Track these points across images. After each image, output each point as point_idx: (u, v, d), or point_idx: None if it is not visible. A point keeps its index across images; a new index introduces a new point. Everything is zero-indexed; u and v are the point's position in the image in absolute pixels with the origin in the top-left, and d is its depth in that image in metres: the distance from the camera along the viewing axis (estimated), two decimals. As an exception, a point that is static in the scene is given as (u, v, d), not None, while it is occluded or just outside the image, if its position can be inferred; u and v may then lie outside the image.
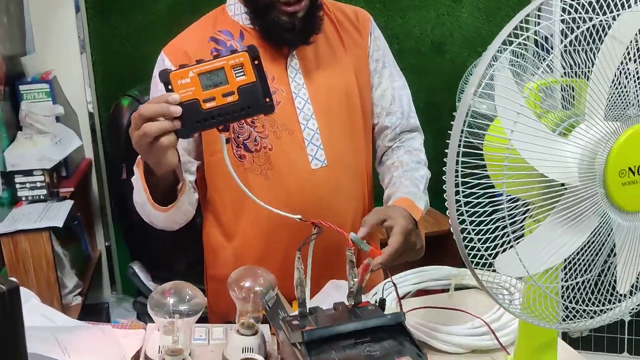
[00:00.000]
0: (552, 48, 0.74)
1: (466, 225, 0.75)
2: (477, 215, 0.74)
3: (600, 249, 0.77)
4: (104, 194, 2.47)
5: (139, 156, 1.05)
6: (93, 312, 2.23)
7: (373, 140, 1.33)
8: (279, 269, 1.08)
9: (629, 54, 0.74)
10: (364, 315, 0.82)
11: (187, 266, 1.70)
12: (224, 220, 1.25)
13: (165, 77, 0.92)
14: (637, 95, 0.74)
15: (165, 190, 1.08)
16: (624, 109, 0.74)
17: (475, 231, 0.75)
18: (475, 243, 0.75)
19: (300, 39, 1.17)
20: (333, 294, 1.10)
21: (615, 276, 0.81)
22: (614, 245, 0.79)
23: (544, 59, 0.73)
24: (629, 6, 0.72)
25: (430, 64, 2.69)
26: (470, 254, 0.75)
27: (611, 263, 0.81)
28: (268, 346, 1.00)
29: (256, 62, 0.93)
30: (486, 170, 0.75)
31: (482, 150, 0.75)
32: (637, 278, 0.83)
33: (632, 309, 0.85)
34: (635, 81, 0.73)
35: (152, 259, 1.74)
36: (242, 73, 0.92)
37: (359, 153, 1.27)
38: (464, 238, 0.74)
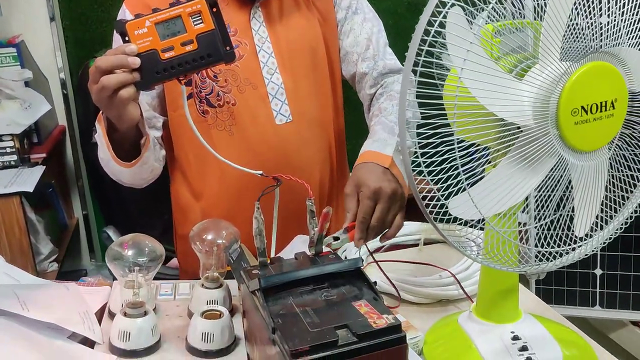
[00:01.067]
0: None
1: (424, 176, 0.75)
2: (434, 165, 0.74)
3: (555, 191, 0.77)
4: (79, 162, 2.44)
5: (101, 112, 1.03)
6: (70, 278, 2.22)
7: (358, 90, 1.29)
8: (249, 226, 1.08)
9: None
10: (323, 263, 0.82)
11: (162, 229, 1.70)
12: (190, 179, 1.24)
13: (121, 27, 0.89)
14: (592, 33, 0.73)
15: (129, 146, 1.06)
16: (579, 48, 0.74)
17: (433, 181, 0.75)
18: (435, 193, 0.75)
19: None
20: (301, 247, 1.10)
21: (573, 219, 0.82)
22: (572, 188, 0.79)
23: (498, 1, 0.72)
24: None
25: (407, 24, 2.67)
26: (430, 204, 0.75)
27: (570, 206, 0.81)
28: (235, 300, 1.00)
29: (214, 9, 0.90)
30: (446, 119, 0.74)
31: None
32: (595, 220, 0.84)
33: (589, 252, 0.86)
34: (587, 19, 0.72)
35: (127, 223, 1.73)
36: (200, 21, 0.89)
37: (325, 108, 1.25)
38: (424, 189, 0.74)
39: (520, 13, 0.74)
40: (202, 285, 0.96)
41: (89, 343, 0.89)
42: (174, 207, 1.32)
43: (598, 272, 1.78)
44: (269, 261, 0.86)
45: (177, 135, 1.22)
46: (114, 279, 1.04)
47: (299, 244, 1.12)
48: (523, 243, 0.83)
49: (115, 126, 1.01)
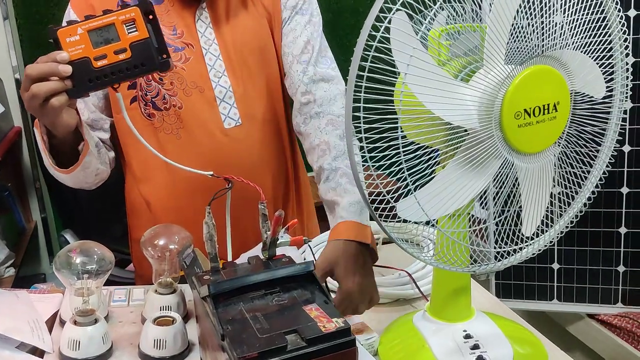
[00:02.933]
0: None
1: (373, 180, 0.75)
2: (382, 168, 0.74)
3: (501, 193, 0.78)
4: (36, 164, 2.39)
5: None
6: (28, 283, 2.17)
7: (289, 90, 1.25)
8: (200, 230, 1.07)
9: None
10: (275, 267, 0.82)
11: (122, 233, 1.67)
12: (139, 182, 1.22)
13: (52, 34, 0.87)
14: (536, 37, 0.74)
15: (69, 151, 1.04)
16: (523, 51, 0.75)
17: (383, 184, 0.76)
18: (384, 196, 0.75)
19: None
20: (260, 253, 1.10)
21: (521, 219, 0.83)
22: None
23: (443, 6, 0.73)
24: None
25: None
26: (380, 207, 0.75)
27: (518, 207, 0.83)
28: (190, 305, 0.99)
29: (150, 17, 0.88)
30: (395, 122, 0.75)
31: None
32: (543, 220, 0.86)
33: (537, 250, 0.88)
34: (531, 23, 0.74)
35: (85, 226, 1.70)
36: (135, 29, 0.88)
37: (275, 109, 1.23)
38: (373, 193, 0.75)
39: (477, 14, 0.75)
40: (156, 291, 0.95)
41: (39, 352, 0.87)
42: (128, 211, 1.30)
43: (555, 266, 1.81)
44: (221, 266, 0.85)
45: (122, 138, 1.20)
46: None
47: (258, 250, 1.12)
48: (483, 241, 0.85)
49: (52, 134, 0.99)
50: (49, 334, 0.90)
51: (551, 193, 0.84)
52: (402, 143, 0.71)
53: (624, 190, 1.70)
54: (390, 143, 0.72)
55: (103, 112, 1.18)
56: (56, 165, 1.03)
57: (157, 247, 0.93)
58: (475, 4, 0.71)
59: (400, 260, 1.18)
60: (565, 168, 0.85)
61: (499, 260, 0.85)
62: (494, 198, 0.79)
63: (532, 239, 0.86)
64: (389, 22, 0.68)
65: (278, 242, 0.86)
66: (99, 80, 0.88)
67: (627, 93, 0.85)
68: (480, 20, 0.75)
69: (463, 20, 0.75)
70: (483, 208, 0.87)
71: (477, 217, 0.84)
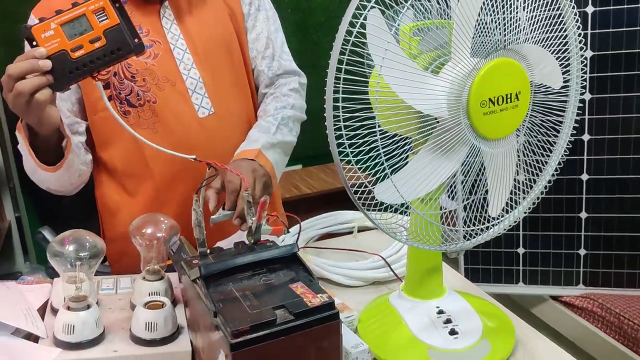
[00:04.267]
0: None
1: (352, 165, 0.81)
2: (361, 154, 0.80)
3: (468, 176, 0.85)
4: (9, 163, 2.38)
5: (19, 120, 1.03)
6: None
7: (256, 87, 1.34)
8: (185, 218, 1.11)
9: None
10: (261, 250, 0.87)
11: (99, 228, 1.70)
12: (118, 179, 1.25)
13: (27, 33, 0.90)
14: (498, 32, 0.81)
15: (53, 151, 1.07)
16: (488, 45, 0.81)
17: (361, 169, 0.82)
18: (365, 187, 0.81)
19: None
20: (242, 237, 1.14)
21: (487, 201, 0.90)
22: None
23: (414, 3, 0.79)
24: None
25: (340, 21, 2.72)
26: (358, 191, 0.81)
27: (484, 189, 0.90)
28: (176, 292, 1.03)
29: (117, 4, 0.92)
30: (370, 112, 0.80)
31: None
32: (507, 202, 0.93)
33: (503, 230, 0.95)
34: (494, 19, 0.80)
35: (62, 223, 1.71)
36: (105, 17, 0.92)
37: (245, 100, 1.29)
38: (355, 185, 0.81)
39: (444, 11, 0.81)
40: (144, 278, 0.99)
41: (32, 339, 0.90)
42: (101, 211, 1.32)
43: (521, 251, 1.91)
44: (208, 251, 0.90)
45: (101, 137, 1.23)
46: (53, 277, 1.06)
47: (239, 235, 1.16)
48: (449, 224, 0.91)
49: (36, 132, 1.02)
50: (42, 321, 0.93)
51: (516, 179, 0.92)
52: (379, 130, 0.76)
53: (584, 177, 1.80)
54: (369, 130, 0.77)
55: (77, 116, 1.22)
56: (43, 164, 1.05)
57: (145, 236, 0.97)
58: (442, 2, 0.77)
59: (375, 246, 1.24)
60: (529, 155, 0.92)
61: (468, 240, 0.92)
62: (462, 182, 0.85)
63: (498, 219, 0.93)
64: (365, 19, 0.73)
65: (221, 216, 0.91)
66: (79, 70, 0.91)
67: (582, 84, 0.93)
68: (449, 17, 0.81)
69: (432, 16, 0.81)
70: (450, 197, 0.94)
71: (446, 208, 0.90)
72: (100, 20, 0.91)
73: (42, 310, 0.98)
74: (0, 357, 0.84)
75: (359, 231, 1.36)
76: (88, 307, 0.89)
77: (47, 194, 1.58)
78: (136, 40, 0.93)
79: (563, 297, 1.90)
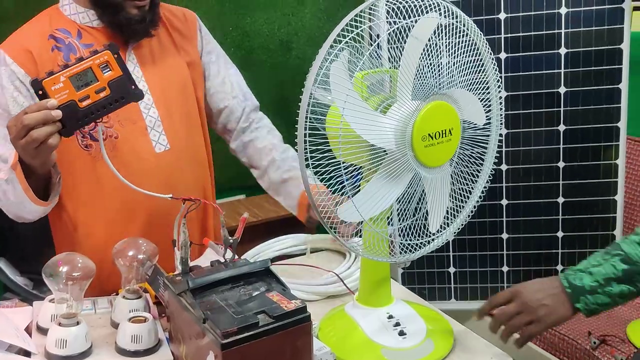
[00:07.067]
0: (378, 46, 0.96)
1: (321, 195, 0.95)
2: (325, 181, 0.95)
3: (412, 198, 1.01)
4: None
5: (11, 162, 1.13)
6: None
7: (221, 125, 1.48)
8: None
9: (427, 48, 0.99)
10: (237, 266, 0.99)
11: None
12: (83, 205, 1.32)
13: (38, 85, 1.01)
14: (432, 77, 0.99)
15: (42, 186, 1.18)
16: (425, 90, 0.99)
17: (328, 197, 0.96)
18: (329, 208, 0.96)
19: (146, 31, 1.29)
20: (211, 256, 1.24)
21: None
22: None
23: (372, 54, 0.96)
24: (427, 12, 0.96)
25: (279, 60, 2.91)
26: (323, 210, 0.96)
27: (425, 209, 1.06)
28: (151, 310, 1.13)
29: (115, 55, 1.05)
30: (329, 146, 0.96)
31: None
32: (446, 217, 1.10)
33: (442, 243, 1.12)
34: (430, 69, 0.98)
35: (20, 253, 1.75)
36: (109, 69, 1.04)
37: (197, 138, 1.42)
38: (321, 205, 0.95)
39: (380, 63, 0.98)
40: (124, 297, 1.09)
41: (23, 354, 0.98)
42: (60, 241, 1.40)
43: (452, 270, 2.10)
44: (188, 269, 1.01)
45: (65, 168, 1.28)
46: (27, 300, 1.14)
47: (209, 254, 1.26)
48: (392, 243, 1.07)
49: (32, 172, 1.13)
50: (31, 339, 1.01)
51: (450, 201, 1.09)
52: (342, 160, 0.92)
53: (504, 202, 2.03)
54: (331, 161, 0.93)
55: None
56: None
57: (127, 258, 1.07)
58: (390, 54, 0.95)
59: (328, 265, 1.38)
60: (461, 182, 1.10)
61: (413, 253, 1.08)
62: (402, 207, 1.02)
63: (437, 235, 1.10)
64: (329, 69, 0.89)
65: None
66: (86, 117, 1.03)
67: (501, 121, 1.12)
68: (396, 66, 0.99)
69: (380, 65, 0.99)
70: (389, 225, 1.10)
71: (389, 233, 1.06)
72: (104, 72, 1.04)
73: (27, 331, 1.06)
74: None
75: (311, 252, 1.50)
76: (78, 323, 0.98)
77: (6, 225, 1.64)
78: (133, 87, 1.06)
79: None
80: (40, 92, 1.01)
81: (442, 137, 0.99)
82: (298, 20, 2.92)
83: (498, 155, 1.13)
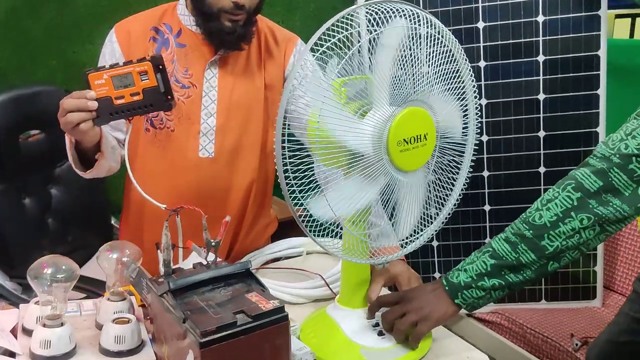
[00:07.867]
0: (358, 52, 0.99)
1: (296, 194, 0.98)
2: (303, 185, 0.98)
3: (389, 201, 1.04)
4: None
5: None
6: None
7: None
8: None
9: (404, 56, 1.02)
10: (218, 267, 1.02)
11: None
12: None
13: (84, 77, 1.15)
14: (409, 87, 1.02)
15: (90, 156, 1.31)
16: (401, 96, 1.02)
17: (304, 197, 0.99)
18: (307, 211, 0.99)
19: (235, 43, 1.38)
20: (195, 257, 1.27)
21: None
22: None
23: (349, 60, 0.99)
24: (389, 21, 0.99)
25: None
26: (302, 215, 0.98)
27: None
28: (136, 312, 1.15)
29: (160, 67, 1.17)
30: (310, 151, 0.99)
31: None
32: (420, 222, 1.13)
33: (421, 244, 1.14)
34: (408, 77, 1.02)
35: (8, 258, 1.77)
36: (147, 78, 1.17)
37: (250, 154, 1.46)
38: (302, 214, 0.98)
39: (360, 69, 1.01)
40: (108, 299, 1.11)
41: (8, 355, 1.00)
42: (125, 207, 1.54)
43: (437, 275, 2.13)
44: (171, 271, 1.04)
45: (132, 144, 1.39)
46: (15, 305, 1.16)
47: (194, 256, 1.29)
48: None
49: (78, 142, 1.28)
50: (16, 340, 1.03)
51: (428, 207, 1.12)
52: (320, 165, 0.95)
53: (487, 207, 2.07)
54: (309, 166, 0.96)
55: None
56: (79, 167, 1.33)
57: (112, 260, 1.09)
58: (369, 61, 0.98)
59: (321, 268, 1.41)
60: (439, 190, 1.13)
61: (390, 256, 1.11)
62: (384, 205, 1.04)
63: (415, 237, 1.13)
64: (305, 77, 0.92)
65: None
66: (118, 114, 1.17)
67: (478, 127, 1.15)
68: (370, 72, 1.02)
69: (354, 73, 1.01)
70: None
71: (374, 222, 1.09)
72: (142, 79, 1.16)
73: (13, 333, 1.08)
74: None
75: (307, 254, 1.53)
76: (62, 324, 1.00)
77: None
78: (168, 97, 1.17)
79: (476, 314, 2.14)
80: (86, 83, 1.14)
81: (417, 142, 1.02)
82: (288, 27, 2.94)
83: (478, 162, 1.16)
